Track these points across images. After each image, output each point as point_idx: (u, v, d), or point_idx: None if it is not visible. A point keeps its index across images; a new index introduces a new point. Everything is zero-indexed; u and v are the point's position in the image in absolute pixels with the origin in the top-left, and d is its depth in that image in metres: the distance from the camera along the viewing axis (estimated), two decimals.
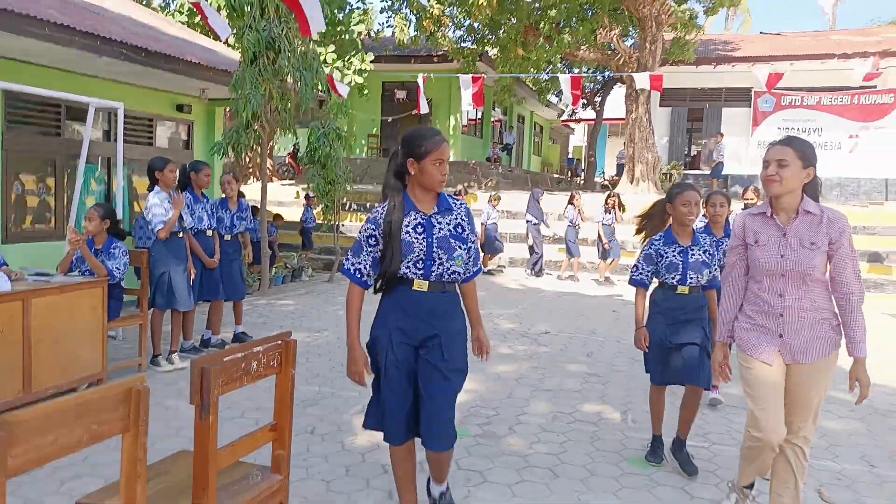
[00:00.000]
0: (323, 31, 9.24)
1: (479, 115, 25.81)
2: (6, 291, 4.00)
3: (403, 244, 2.59)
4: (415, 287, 2.62)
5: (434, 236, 2.63)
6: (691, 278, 3.63)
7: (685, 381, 3.62)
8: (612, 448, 3.97)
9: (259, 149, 9.68)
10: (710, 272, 3.67)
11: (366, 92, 16.82)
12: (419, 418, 2.66)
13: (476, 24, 17.31)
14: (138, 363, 5.23)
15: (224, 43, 11.20)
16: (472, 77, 13.79)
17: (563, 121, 36.01)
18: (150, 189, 5.32)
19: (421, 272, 2.62)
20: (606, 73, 17.26)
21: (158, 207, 5.16)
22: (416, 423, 2.68)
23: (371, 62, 15.79)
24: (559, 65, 18.70)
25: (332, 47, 14.26)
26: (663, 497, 3.34)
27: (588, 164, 24.65)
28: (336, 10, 14.60)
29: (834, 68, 19.23)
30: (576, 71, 20.80)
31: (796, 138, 2.73)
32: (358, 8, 16.69)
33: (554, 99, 25.57)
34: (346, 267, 2.69)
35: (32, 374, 4.15)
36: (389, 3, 18.12)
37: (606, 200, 11.55)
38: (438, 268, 2.63)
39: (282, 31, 8.52)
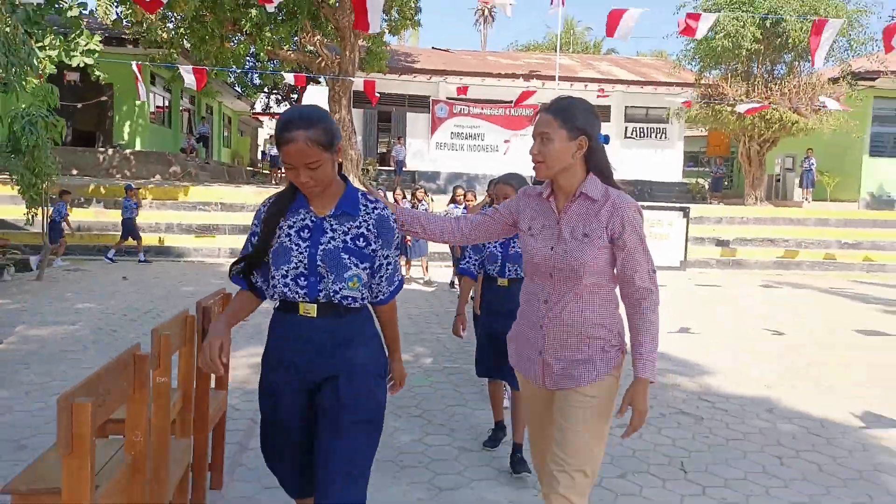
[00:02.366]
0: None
1: (167, 104, 24.84)
2: None
3: (279, 248, 1.99)
4: (301, 312, 2.00)
5: (320, 246, 1.98)
6: (510, 270, 3.58)
7: (503, 377, 3.60)
8: None
9: None
10: None
11: (98, 74, 15.66)
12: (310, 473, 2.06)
13: (180, 15, 16.93)
14: None
15: None
16: (194, 68, 13.80)
17: (253, 114, 36.03)
18: None
19: (304, 291, 1.98)
20: (326, 76, 18.34)
21: None
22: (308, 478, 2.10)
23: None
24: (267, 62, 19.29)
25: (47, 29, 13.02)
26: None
27: None
28: None
29: (491, 84, 22.99)
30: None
31: (562, 100, 2.10)
32: None
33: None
34: (233, 272, 2.12)
35: None
36: None
37: (415, 195, 11.37)
38: (324, 288, 1.97)
39: None
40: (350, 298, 2.00)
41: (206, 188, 16.39)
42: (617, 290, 2.10)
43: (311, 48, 18.78)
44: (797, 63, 17.76)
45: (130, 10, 15.35)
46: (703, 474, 3.51)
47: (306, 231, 2.00)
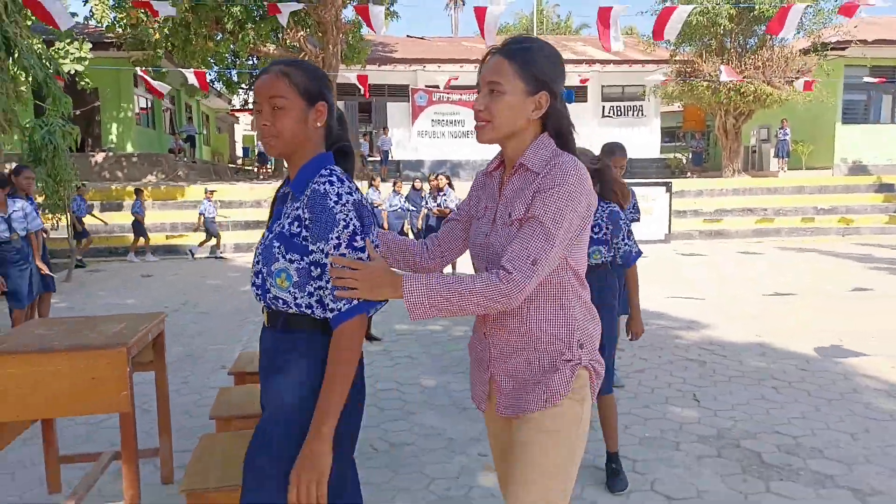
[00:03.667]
0: (69, 27, 9.11)
1: (150, 105, 25.01)
2: None
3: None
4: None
5: (270, 233, 1.61)
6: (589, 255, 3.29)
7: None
8: None
9: None
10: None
11: (87, 82, 15.95)
12: None
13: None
14: None
15: None
16: (195, 71, 14.23)
17: (231, 110, 36.13)
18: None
19: (255, 290, 1.63)
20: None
21: None
22: None
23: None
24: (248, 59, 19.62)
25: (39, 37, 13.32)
26: None
27: None
28: None
29: (469, 70, 23.43)
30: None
31: (520, 41, 1.63)
32: None
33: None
34: None
35: None
36: None
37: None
38: (262, 284, 1.60)
39: (15, 30, 8.28)
40: (281, 301, 1.56)
41: (203, 187, 16.75)
42: (578, 287, 1.64)
43: (294, 44, 19.13)
44: (769, 36, 18.40)
45: (125, 15, 15.59)
46: (713, 401, 4.14)
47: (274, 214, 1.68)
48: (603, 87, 24.04)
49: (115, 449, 3.29)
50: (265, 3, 17.40)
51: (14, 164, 6.12)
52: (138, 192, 13.06)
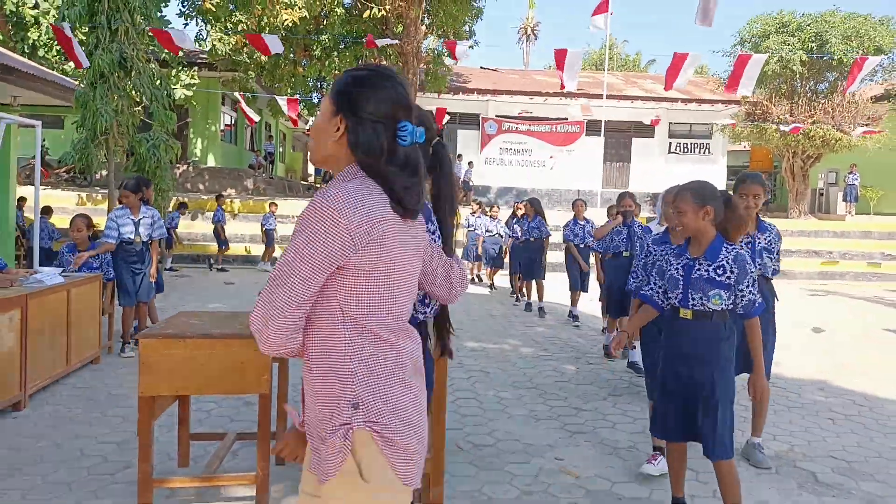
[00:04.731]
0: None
1: (233, 122, 26.48)
2: (61, 283, 4.92)
3: None
4: None
5: None
6: (693, 299, 2.88)
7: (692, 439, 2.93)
8: None
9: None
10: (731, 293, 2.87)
11: (193, 104, 17.26)
12: None
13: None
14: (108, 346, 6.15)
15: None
16: (288, 99, 15.26)
17: (306, 130, 37.65)
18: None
19: None
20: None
21: None
22: None
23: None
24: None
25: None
26: None
27: None
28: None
29: (538, 103, 24.01)
30: None
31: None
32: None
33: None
34: None
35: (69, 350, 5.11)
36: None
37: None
38: None
39: (133, 52, 9.28)
40: None
41: (284, 201, 17.73)
42: (361, 339, 1.47)
43: None
44: (839, 82, 18.41)
45: (234, 41, 16.73)
46: (772, 428, 4.47)
47: None
48: (671, 123, 24.24)
49: (237, 431, 3.88)
50: (350, 35, 18.62)
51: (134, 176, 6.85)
52: (219, 198, 13.92)
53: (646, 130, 24.08)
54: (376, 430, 1.43)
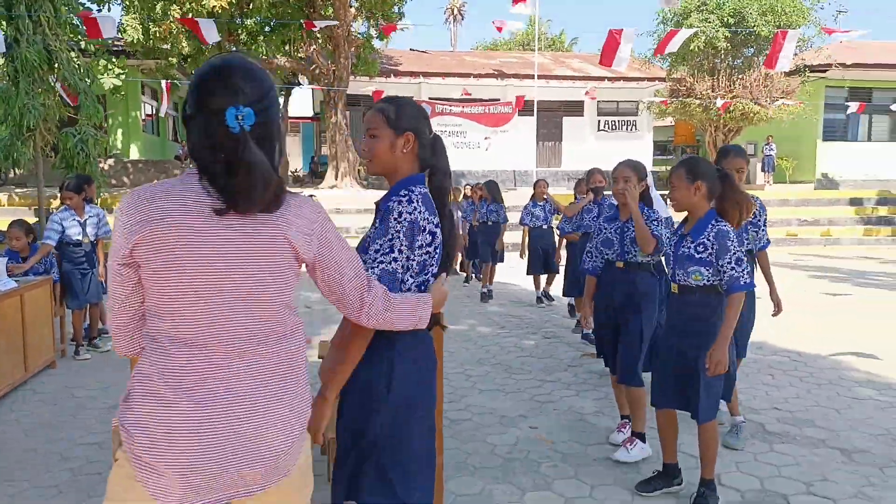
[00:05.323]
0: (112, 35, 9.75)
1: (154, 112, 25.58)
2: (14, 288, 4.80)
3: None
4: None
5: None
6: (678, 275, 3.05)
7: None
8: None
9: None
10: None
11: (122, 93, 16.53)
12: None
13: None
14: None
15: None
16: None
17: None
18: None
19: None
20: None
21: None
22: None
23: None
24: None
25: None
26: None
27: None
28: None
29: (472, 84, 24.22)
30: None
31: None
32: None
33: None
34: None
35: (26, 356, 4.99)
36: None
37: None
38: None
39: (57, 44, 8.92)
40: None
41: None
42: (148, 337, 1.47)
43: (305, 56, 19.82)
44: (756, 57, 19.34)
45: (158, 29, 16.09)
46: None
47: None
48: (599, 102, 24.91)
49: None
50: (277, 17, 18.26)
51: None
52: None
53: (576, 109, 24.67)
54: (125, 439, 1.41)
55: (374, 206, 2.07)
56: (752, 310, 3.94)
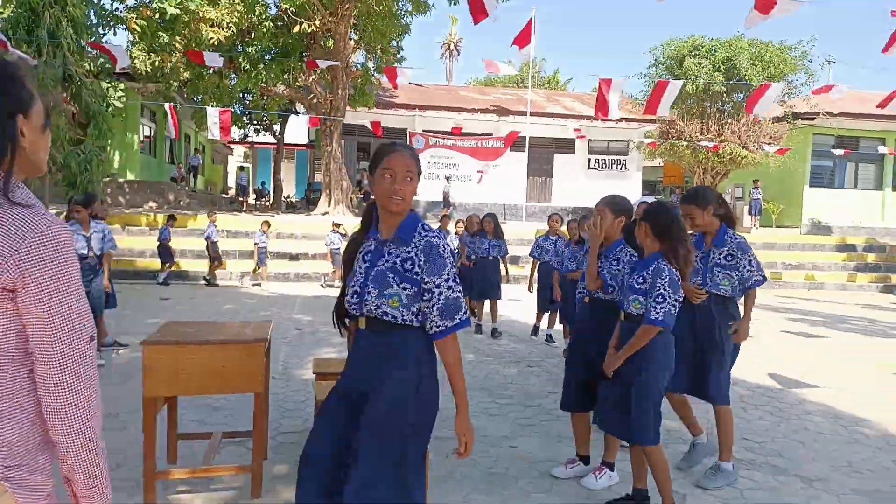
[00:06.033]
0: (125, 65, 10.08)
1: (152, 134, 25.88)
2: None
3: (352, 272, 2.32)
4: (359, 324, 2.27)
5: (375, 268, 2.24)
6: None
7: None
8: None
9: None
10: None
11: (123, 116, 16.90)
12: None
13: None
14: None
15: None
16: (220, 110, 15.15)
17: (229, 142, 37.05)
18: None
19: (355, 305, 2.26)
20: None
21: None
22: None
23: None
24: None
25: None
26: None
27: (275, 186, 26.66)
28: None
29: (466, 118, 24.72)
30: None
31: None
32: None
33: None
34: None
35: None
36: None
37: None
38: (367, 304, 2.21)
39: (75, 68, 9.22)
40: (389, 315, 2.19)
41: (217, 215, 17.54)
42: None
43: (303, 85, 20.24)
44: (745, 103, 19.90)
45: (160, 59, 16.46)
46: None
47: (369, 254, 2.29)
48: (590, 140, 25.45)
49: (223, 430, 4.12)
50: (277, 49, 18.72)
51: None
52: (171, 218, 13.77)
53: (567, 146, 25.19)
54: (16, 479, 1.35)
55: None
56: (729, 349, 3.98)
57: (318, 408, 2.38)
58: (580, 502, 3.53)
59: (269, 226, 14.67)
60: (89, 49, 10.06)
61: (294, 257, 15.76)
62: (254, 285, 13.95)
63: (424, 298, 2.19)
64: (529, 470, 3.94)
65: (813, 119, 20.16)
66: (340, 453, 2.20)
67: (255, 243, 14.08)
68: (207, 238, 13.76)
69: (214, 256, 13.82)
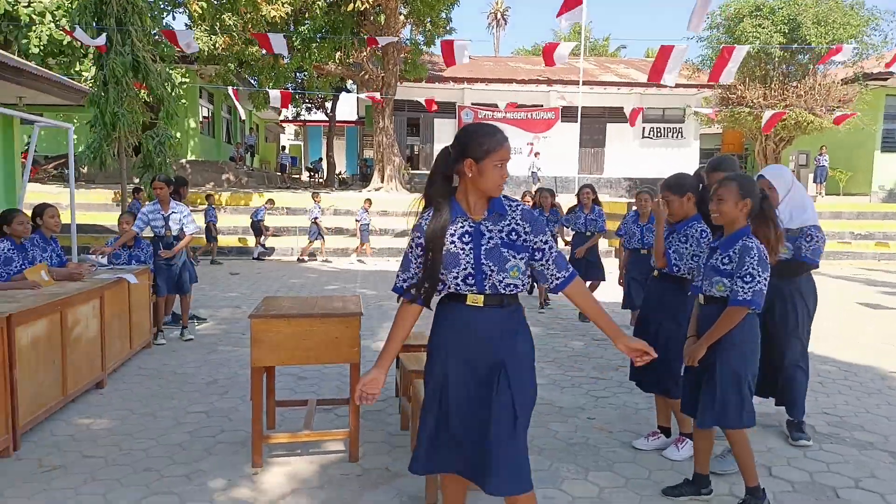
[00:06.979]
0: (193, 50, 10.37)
1: (210, 115, 26.48)
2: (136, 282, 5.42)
3: (447, 256, 2.32)
4: (468, 302, 2.34)
5: (482, 247, 2.31)
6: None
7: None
8: None
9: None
10: None
11: (184, 101, 17.44)
12: (475, 459, 2.32)
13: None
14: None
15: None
16: (281, 91, 15.48)
17: (281, 121, 37.62)
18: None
19: (473, 286, 2.32)
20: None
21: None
22: (473, 463, 2.33)
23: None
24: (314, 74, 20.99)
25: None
26: None
27: (328, 164, 27.05)
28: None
29: (515, 90, 24.48)
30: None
31: None
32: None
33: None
34: (397, 284, 2.45)
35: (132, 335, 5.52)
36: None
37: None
38: (490, 280, 2.31)
39: (143, 54, 9.53)
40: (512, 286, 2.32)
41: (270, 194, 17.97)
42: None
43: (355, 62, 20.34)
44: (811, 65, 19.07)
45: (222, 41, 16.82)
46: None
47: (467, 235, 2.32)
48: (644, 108, 24.89)
49: (310, 398, 4.32)
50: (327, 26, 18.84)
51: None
52: (209, 197, 14.13)
53: (620, 116, 24.71)
54: None
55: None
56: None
57: (429, 382, 2.44)
58: (667, 469, 3.58)
59: (274, 203, 15.14)
60: (155, 34, 10.38)
61: (353, 233, 15.96)
62: (358, 261, 14.33)
63: (535, 258, 2.38)
64: (610, 441, 4.02)
65: (886, 79, 19.17)
66: (473, 421, 2.33)
67: (357, 220, 14.46)
68: (314, 219, 14.10)
69: (317, 235, 14.20)
